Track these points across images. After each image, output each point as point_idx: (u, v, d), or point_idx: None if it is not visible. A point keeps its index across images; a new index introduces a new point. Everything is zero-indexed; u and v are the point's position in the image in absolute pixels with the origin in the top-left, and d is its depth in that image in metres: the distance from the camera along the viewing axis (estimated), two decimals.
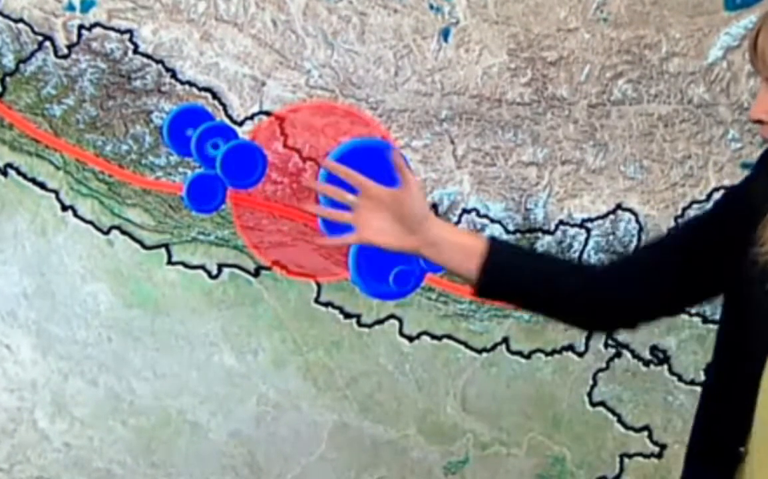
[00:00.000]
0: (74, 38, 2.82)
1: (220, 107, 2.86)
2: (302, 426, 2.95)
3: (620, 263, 1.97)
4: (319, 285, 2.92)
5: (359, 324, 2.93)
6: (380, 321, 2.93)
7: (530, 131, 2.90)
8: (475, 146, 2.91)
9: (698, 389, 2.95)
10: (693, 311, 2.97)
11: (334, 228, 2.88)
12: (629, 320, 1.91)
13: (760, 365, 1.71)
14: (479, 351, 2.93)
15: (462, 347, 2.93)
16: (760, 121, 1.77)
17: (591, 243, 2.92)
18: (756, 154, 2.87)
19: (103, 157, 2.86)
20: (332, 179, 2.86)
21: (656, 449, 3.00)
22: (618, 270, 1.90)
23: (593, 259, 2.92)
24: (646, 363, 2.98)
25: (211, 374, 2.92)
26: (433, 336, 2.94)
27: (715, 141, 2.90)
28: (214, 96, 2.86)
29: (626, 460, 2.99)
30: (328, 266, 2.91)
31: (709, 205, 1.94)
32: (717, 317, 1.87)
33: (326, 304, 2.92)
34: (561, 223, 2.92)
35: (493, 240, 1.86)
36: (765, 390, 1.71)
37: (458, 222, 2.91)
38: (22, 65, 2.83)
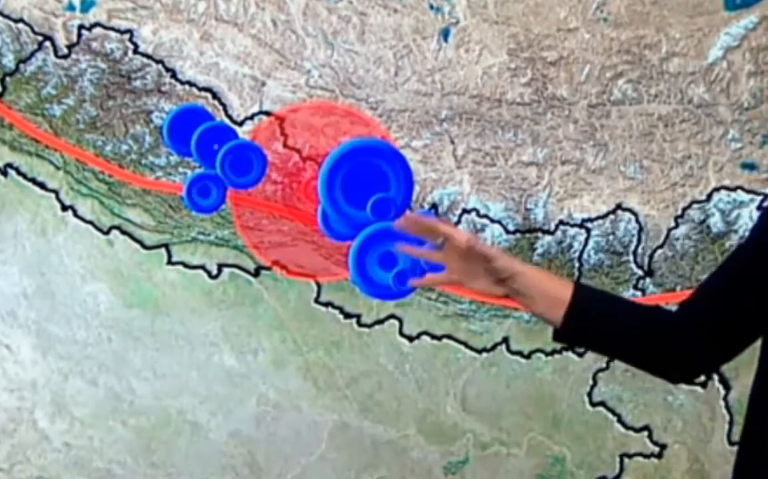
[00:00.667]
0: (74, 38, 2.82)
1: (220, 107, 2.86)
2: (302, 426, 2.95)
3: (697, 306, 1.93)
4: (319, 285, 2.92)
5: (359, 324, 2.93)
6: (380, 321, 2.93)
7: (530, 131, 2.90)
8: (475, 146, 2.91)
9: (699, 389, 2.95)
10: None
11: (335, 230, 2.89)
12: (713, 365, 1.93)
13: None
14: (479, 351, 2.93)
15: (462, 347, 2.93)
16: None
17: (591, 243, 2.92)
18: (756, 154, 2.87)
19: (103, 157, 2.86)
20: (331, 179, 2.87)
21: (656, 449, 3.00)
22: (697, 315, 1.89)
23: (593, 259, 2.92)
24: None
25: (211, 374, 2.92)
26: (433, 336, 2.94)
27: (715, 141, 2.90)
28: (214, 96, 2.86)
29: (626, 460, 2.99)
30: (328, 266, 2.91)
31: (754, 223, 1.92)
32: None
33: (326, 304, 2.92)
34: (561, 223, 2.92)
35: (579, 287, 1.88)
36: None
37: (458, 222, 2.91)
38: (22, 65, 2.83)
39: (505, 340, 2.93)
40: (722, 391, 2.95)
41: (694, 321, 1.88)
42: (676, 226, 2.91)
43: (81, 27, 2.82)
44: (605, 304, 1.92)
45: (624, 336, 1.89)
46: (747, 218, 2.87)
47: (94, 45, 2.84)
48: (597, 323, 1.88)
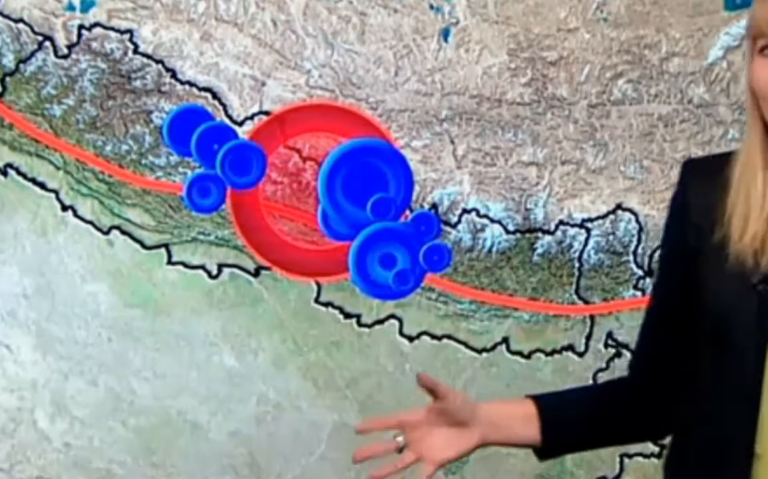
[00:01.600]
0: (74, 38, 2.82)
1: (220, 107, 2.86)
2: (302, 426, 2.95)
3: (644, 360, 1.90)
4: (319, 285, 2.92)
5: (359, 324, 2.93)
6: (380, 321, 2.93)
7: (530, 131, 2.90)
8: (475, 146, 2.91)
9: None
10: None
11: (335, 230, 2.89)
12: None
13: (760, 361, 1.71)
14: (479, 351, 2.93)
15: (462, 347, 2.93)
16: None
17: (591, 243, 2.92)
18: None
19: (103, 157, 2.86)
20: (331, 180, 2.87)
21: (656, 449, 3.00)
22: (648, 369, 1.86)
23: (593, 259, 2.91)
24: None
25: (211, 374, 2.92)
26: (433, 336, 2.94)
27: (715, 141, 2.90)
28: (214, 96, 2.86)
29: (626, 460, 2.99)
30: (328, 266, 2.91)
31: (662, 251, 1.93)
32: None
33: (326, 304, 2.92)
34: (561, 222, 2.92)
35: (536, 397, 1.85)
36: None
37: (458, 222, 2.91)
38: (22, 65, 2.83)
39: (505, 340, 2.93)
40: None
41: (650, 378, 1.85)
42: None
43: (81, 27, 2.82)
44: (567, 402, 1.90)
45: (599, 423, 1.87)
46: None
47: (94, 45, 2.84)
48: (572, 422, 1.86)
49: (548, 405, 1.85)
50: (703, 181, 1.80)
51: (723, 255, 1.74)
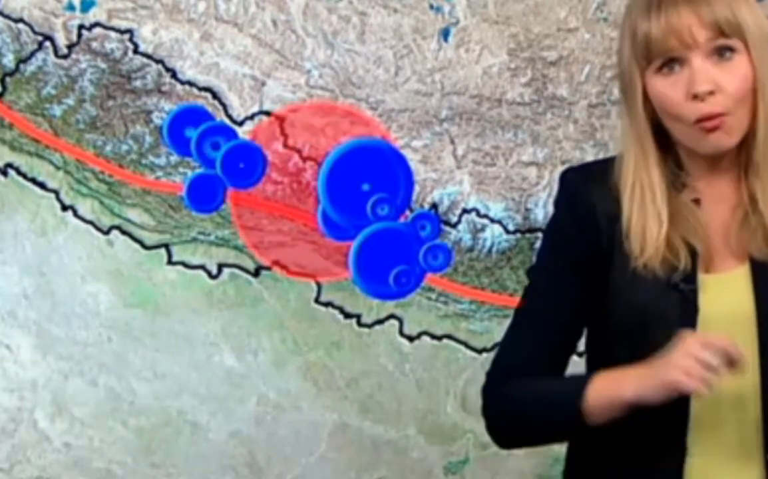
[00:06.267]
0: (74, 38, 2.82)
1: (220, 107, 2.86)
2: (302, 426, 2.95)
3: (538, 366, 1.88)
4: (319, 285, 2.91)
5: (359, 324, 2.93)
6: (380, 321, 2.93)
7: (530, 131, 2.90)
8: (475, 146, 2.91)
9: None
10: None
11: (335, 230, 2.89)
12: None
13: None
14: (479, 351, 2.93)
15: (462, 347, 2.93)
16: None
17: None
18: None
19: (103, 157, 2.86)
20: (331, 180, 2.87)
21: None
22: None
23: None
24: None
25: (211, 374, 2.92)
26: (433, 336, 2.94)
27: None
28: (214, 96, 2.86)
29: None
30: (328, 266, 2.91)
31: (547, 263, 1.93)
32: None
33: (326, 304, 2.92)
34: None
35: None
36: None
37: (458, 222, 2.91)
38: (22, 65, 2.82)
39: None
40: None
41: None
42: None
43: (81, 27, 2.82)
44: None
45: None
46: None
47: (94, 45, 2.84)
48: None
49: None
50: (597, 188, 1.81)
51: (634, 261, 1.74)
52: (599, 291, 1.78)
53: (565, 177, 1.88)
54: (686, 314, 1.72)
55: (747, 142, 1.74)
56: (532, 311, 1.88)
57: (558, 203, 1.90)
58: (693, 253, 1.74)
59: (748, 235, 1.74)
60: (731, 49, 1.71)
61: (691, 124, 1.71)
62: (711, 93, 1.69)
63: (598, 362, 1.80)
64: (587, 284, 1.79)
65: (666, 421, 1.73)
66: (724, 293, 1.75)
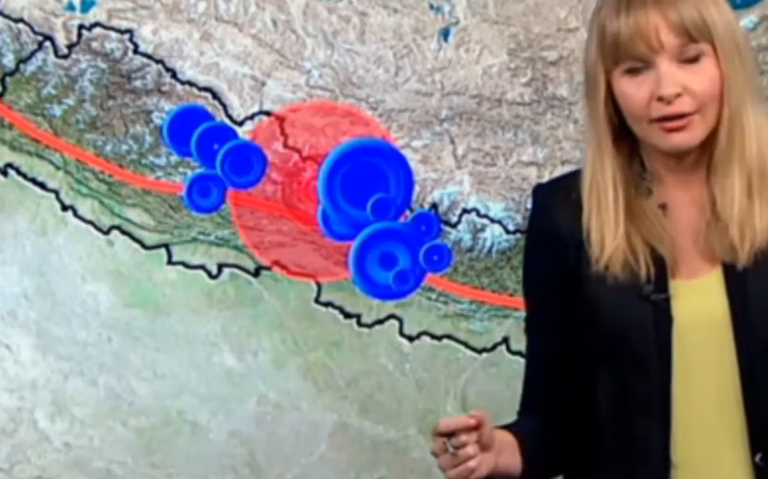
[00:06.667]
0: (74, 38, 2.82)
1: (220, 107, 2.86)
2: (302, 426, 2.95)
3: (547, 402, 1.88)
4: (319, 285, 2.92)
5: (359, 324, 2.93)
6: (380, 321, 2.93)
7: (530, 131, 2.90)
8: (475, 146, 2.91)
9: None
10: None
11: (335, 230, 2.89)
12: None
13: (664, 371, 1.70)
14: (479, 351, 2.93)
15: (462, 347, 2.93)
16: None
17: None
18: None
19: (103, 157, 2.86)
20: (331, 180, 2.87)
21: None
22: (554, 408, 1.85)
23: None
24: None
25: (211, 374, 2.92)
26: (433, 336, 2.94)
27: None
28: (214, 96, 2.86)
29: None
30: (328, 266, 2.91)
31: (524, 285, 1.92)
32: None
33: (326, 304, 2.92)
34: None
35: (508, 428, 1.82)
36: (678, 396, 1.70)
37: (458, 222, 2.91)
38: (22, 65, 2.83)
39: (505, 340, 2.92)
40: None
41: (553, 414, 1.83)
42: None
43: (81, 27, 2.82)
44: (528, 430, 1.85)
45: (556, 451, 1.85)
46: None
47: (94, 45, 2.84)
48: (542, 449, 1.82)
49: (523, 433, 1.80)
50: (562, 203, 1.78)
51: (603, 274, 1.73)
52: (577, 307, 1.77)
53: (533, 195, 1.87)
54: (661, 324, 1.71)
55: (710, 143, 1.73)
56: (529, 338, 1.92)
57: (528, 223, 1.89)
58: (660, 260, 1.72)
59: (715, 237, 1.73)
60: (699, 52, 1.70)
61: (653, 121, 1.70)
62: (678, 96, 1.69)
63: (581, 376, 1.80)
64: (565, 303, 1.78)
65: (646, 435, 1.72)
66: (697, 299, 1.73)
